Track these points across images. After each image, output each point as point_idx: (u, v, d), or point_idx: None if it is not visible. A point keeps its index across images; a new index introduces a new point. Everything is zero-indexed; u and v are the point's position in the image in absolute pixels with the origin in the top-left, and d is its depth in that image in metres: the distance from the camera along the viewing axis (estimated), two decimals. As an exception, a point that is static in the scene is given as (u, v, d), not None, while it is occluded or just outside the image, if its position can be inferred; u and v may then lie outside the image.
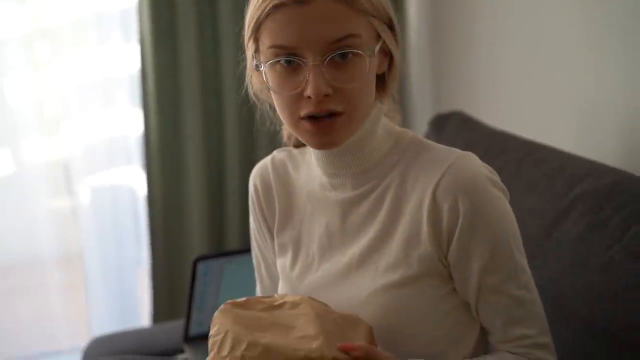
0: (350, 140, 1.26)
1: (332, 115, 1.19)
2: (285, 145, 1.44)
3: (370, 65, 1.21)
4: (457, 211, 1.21)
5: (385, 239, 1.28)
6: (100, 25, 2.70)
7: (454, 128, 2.01)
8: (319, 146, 1.24)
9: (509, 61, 2.27)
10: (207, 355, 1.97)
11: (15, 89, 2.73)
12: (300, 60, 1.17)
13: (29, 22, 2.70)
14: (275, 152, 1.44)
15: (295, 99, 1.19)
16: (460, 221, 1.21)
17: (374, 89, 1.26)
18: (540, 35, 2.12)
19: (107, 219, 2.83)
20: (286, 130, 1.40)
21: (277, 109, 1.25)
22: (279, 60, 1.19)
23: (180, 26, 2.57)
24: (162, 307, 2.77)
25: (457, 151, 1.26)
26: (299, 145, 1.41)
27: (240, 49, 1.33)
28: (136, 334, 2.24)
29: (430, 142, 1.32)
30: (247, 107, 2.59)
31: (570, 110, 2.02)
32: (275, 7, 1.16)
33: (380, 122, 1.30)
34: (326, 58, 1.16)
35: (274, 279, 1.46)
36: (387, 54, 1.27)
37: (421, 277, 1.25)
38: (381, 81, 1.29)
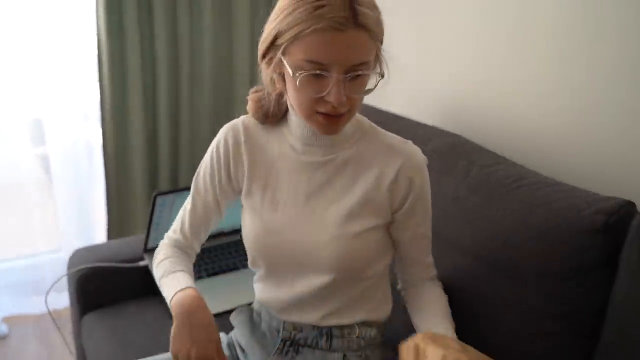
0: None
1: (340, 114, 1.10)
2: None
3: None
4: (411, 185, 1.20)
5: (344, 196, 1.21)
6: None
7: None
8: (324, 133, 1.14)
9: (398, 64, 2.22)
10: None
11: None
12: (327, 74, 1.04)
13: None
14: (243, 117, 1.29)
15: (316, 99, 1.07)
16: (412, 192, 1.21)
17: None
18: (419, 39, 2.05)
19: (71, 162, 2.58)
20: (251, 108, 1.26)
21: (295, 101, 1.11)
22: (309, 71, 1.05)
23: (128, 27, 2.35)
24: (114, 227, 2.59)
25: (407, 142, 1.23)
26: (263, 122, 1.26)
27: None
28: (106, 247, 2.04)
29: (381, 129, 1.26)
30: (175, 84, 2.45)
31: (432, 97, 2.00)
32: (318, 29, 1.00)
33: None
34: (347, 77, 1.05)
35: (206, 209, 1.32)
36: None
37: (369, 229, 1.21)
38: None
